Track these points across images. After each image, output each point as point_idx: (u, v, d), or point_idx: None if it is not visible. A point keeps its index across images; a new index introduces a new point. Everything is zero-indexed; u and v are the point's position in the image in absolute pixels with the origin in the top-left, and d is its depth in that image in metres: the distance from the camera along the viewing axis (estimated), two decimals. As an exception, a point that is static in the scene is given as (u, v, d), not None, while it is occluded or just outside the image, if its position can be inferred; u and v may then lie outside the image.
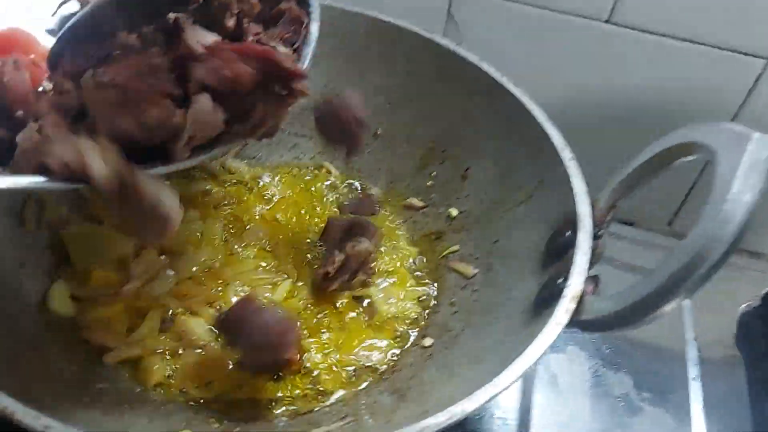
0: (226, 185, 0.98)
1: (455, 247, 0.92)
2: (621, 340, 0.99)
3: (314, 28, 0.66)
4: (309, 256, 0.92)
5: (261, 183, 1.00)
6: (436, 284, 0.90)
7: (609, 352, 0.97)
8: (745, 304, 1.07)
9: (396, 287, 0.89)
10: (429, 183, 0.99)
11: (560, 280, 0.67)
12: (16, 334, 0.70)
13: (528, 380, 0.93)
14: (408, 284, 0.90)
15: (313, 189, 1.02)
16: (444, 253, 0.92)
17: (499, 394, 0.56)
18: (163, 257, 0.85)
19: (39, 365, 0.68)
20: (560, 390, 0.92)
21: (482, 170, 0.93)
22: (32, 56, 0.58)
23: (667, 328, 1.01)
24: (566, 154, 0.80)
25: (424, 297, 0.89)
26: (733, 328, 1.04)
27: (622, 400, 0.92)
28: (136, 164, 0.53)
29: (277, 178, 1.02)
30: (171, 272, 0.84)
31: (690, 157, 0.66)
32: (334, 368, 0.79)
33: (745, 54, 1.03)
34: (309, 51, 0.66)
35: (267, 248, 0.91)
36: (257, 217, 0.95)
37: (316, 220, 0.97)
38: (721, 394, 0.94)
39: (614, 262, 1.09)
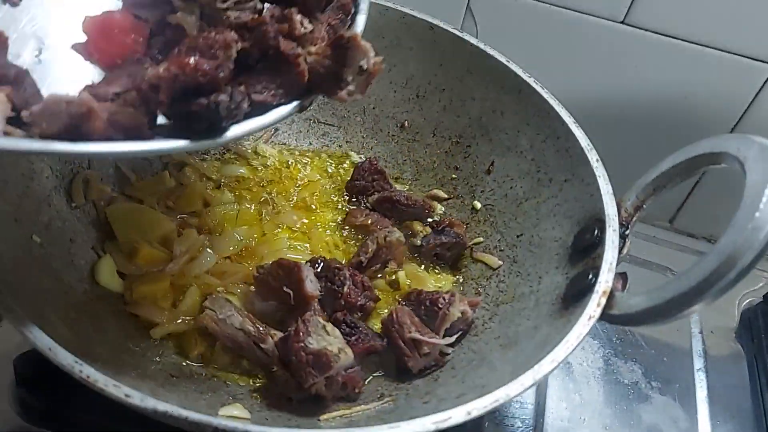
0: (258, 170, 1.02)
1: (480, 239, 0.96)
2: (631, 332, 1.04)
3: (361, 20, 0.68)
4: (340, 238, 0.96)
5: (291, 168, 1.04)
6: (462, 274, 0.94)
7: (619, 342, 1.02)
8: (747, 301, 1.12)
9: (425, 275, 0.93)
10: (453, 176, 1.03)
11: (590, 276, 0.72)
12: (74, 303, 0.74)
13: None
14: (436, 272, 0.94)
15: (339, 177, 1.05)
16: (469, 244, 0.96)
17: (541, 380, 0.61)
18: (203, 237, 0.89)
19: (97, 333, 0.72)
20: (574, 377, 0.97)
21: (507, 166, 0.97)
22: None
23: (674, 323, 1.06)
24: (593, 155, 0.84)
25: (452, 285, 0.93)
26: (736, 323, 1.09)
27: (631, 388, 0.97)
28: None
29: (307, 164, 1.05)
30: (210, 251, 0.88)
31: (718, 166, 0.69)
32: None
33: (754, 59, 1.07)
34: None
35: (300, 230, 0.95)
36: (289, 200, 0.99)
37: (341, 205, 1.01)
38: (724, 385, 1.00)
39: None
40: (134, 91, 0.54)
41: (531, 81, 0.93)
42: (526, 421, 0.91)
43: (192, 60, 0.53)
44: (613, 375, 0.99)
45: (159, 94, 0.53)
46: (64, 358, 0.56)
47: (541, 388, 0.95)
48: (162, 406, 0.54)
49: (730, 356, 1.05)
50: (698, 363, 1.02)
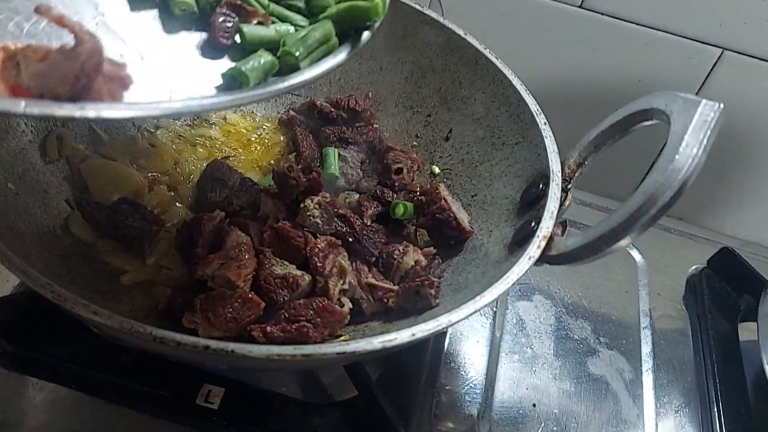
0: (227, 134, 1.06)
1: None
2: (582, 293, 1.10)
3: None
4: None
5: (258, 134, 1.08)
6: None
7: (571, 303, 1.08)
8: (692, 267, 1.19)
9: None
10: (414, 143, 1.08)
11: (533, 224, 0.77)
12: (47, 246, 0.78)
13: (498, 323, 1.03)
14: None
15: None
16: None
17: (480, 309, 0.66)
18: (172, 193, 0.93)
19: (68, 274, 0.76)
20: (527, 332, 1.03)
21: (463, 133, 1.03)
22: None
23: (624, 285, 1.12)
24: (541, 119, 0.90)
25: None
26: (682, 288, 1.16)
27: (581, 342, 1.03)
28: None
29: (273, 130, 1.09)
30: (179, 205, 0.93)
31: (649, 122, 0.75)
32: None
33: (704, 42, 1.13)
34: None
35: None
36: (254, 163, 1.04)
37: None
38: (668, 341, 1.07)
39: (578, 226, 1.20)
40: None
41: (486, 52, 0.98)
42: (480, 370, 0.96)
43: None
44: (564, 331, 1.04)
45: None
46: (36, 279, 0.60)
47: (494, 341, 1.00)
48: (128, 324, 0.58)
49: (674, 316, 1.11)
50: (644, 321, 1.08)
